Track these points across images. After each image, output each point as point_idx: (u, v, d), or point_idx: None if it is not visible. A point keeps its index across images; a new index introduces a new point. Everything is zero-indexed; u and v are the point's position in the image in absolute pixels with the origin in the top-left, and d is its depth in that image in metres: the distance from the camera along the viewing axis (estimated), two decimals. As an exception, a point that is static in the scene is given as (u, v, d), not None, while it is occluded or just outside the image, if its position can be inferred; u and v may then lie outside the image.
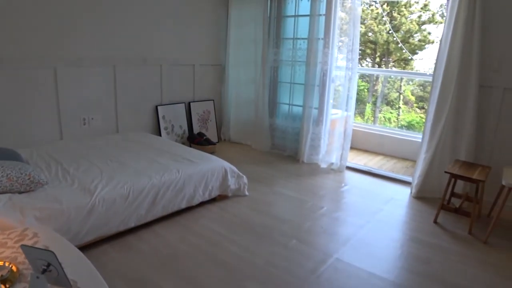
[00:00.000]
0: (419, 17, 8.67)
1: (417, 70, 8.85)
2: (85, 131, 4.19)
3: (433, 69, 3.78)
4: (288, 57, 5.06)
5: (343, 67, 4.48)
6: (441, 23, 8.26)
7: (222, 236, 2.94)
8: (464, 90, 3.58)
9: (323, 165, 4.74)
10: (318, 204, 3.61)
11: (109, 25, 4.18)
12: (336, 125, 4.67)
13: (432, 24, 8.61)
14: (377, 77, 8.52)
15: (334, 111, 4.82)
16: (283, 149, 5.20)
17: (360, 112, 8.44)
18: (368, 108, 8.56)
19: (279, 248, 2.80)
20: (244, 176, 3.69)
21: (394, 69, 9.17)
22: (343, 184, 4.19)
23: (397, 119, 8.46)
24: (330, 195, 3.87)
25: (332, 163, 4.70)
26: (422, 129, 3.98)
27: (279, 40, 5.08)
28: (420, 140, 4.03)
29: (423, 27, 8.68)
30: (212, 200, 3.52)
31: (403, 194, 3.99)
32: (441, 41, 3.66)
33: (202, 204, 3.41)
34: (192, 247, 2.76)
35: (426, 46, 8.65)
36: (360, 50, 9.27)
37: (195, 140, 4.97)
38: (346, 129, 4.51)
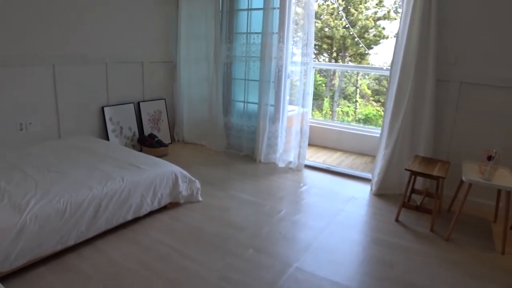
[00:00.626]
0: (375, 13, 8.74)
1: (372, 65, 8.92)
2: (22, 138, 3.81)
3: (389, 64, 3.70)
4: (242, 53, 4.85)
5: (298, 62, 4.32)
6: (395, 19, 8.36)
7: (173, 249, 2.69)
8: (421, 84, 3.51)
9: (281, 164, 4.58)
10: (276, 207, 3.43)
11: (45, 19, 3.79)
12: (293, 122, 4.51)
13: (386, 20, 8.71)
14: (334, 72, 8.50)
15: (290, 107, 4.67)
16: (239, 148, 5.00)
17: (318, 106, 8.41)
18: (326, 102, 8.53)
19: (234, 260, 2.59)
20: (197, 181, 3.45)
21: (350, 63, 9.20)
22: (302, 184, 4.04)
23: (355, 113, 8.48)
24: (289, 197, 3.71)
25: (290, 162, 4.54)
26: (379, 122, 3.89)
27: (231, 34, 4.86)
28: (378, 135, 3.95)
29: (378, 22, 8.76)
30: (163, 209, 3.25)
31: (363, 192, 3.89)
32: (397, 36, 3.57)
33: (151, 213, 3.14)
34: (139, 264, 2.50)
35: (381, 41, 8.75)
36: (317, 45, 9.27)
37: (146, 142, 4.68)
38: (303, 126, 4.36)
